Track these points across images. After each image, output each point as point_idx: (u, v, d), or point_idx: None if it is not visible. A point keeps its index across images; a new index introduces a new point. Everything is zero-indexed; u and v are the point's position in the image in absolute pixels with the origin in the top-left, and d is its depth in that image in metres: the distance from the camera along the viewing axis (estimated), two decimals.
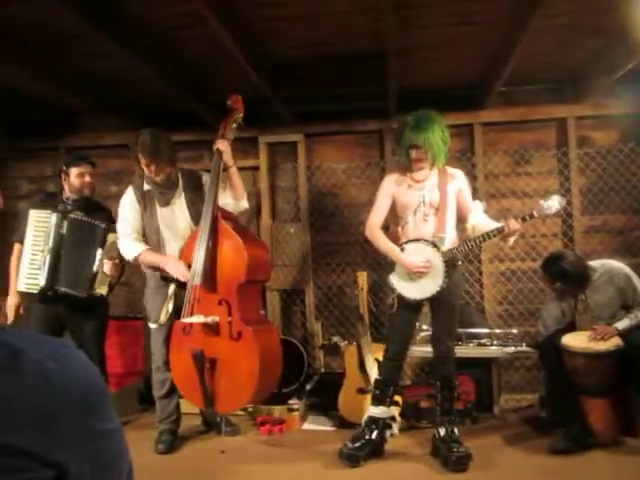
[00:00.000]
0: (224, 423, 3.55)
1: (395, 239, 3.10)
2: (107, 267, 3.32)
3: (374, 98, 4.09)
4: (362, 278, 3.78)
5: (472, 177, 4.39)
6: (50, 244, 3.28)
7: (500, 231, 2.91)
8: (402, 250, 3.02)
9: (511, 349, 3.84)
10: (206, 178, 3.30)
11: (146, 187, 3.28)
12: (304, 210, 4.54)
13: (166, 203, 3.27)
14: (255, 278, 3.16)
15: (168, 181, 3.25)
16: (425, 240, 3.00)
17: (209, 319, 3.00)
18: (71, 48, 3.27)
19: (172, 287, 3.20)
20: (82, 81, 3.81)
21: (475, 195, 4.32)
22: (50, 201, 3.42)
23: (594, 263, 3.39)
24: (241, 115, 3.22)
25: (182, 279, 3.08)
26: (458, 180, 3.12)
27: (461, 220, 3.16)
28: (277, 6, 2.92)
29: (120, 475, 0.80)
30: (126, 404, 3.97)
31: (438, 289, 2.96)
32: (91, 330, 3.42)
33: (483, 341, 3.93)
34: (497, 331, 4.04)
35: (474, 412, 3.71)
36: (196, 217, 3.21)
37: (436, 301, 3.05)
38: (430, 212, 3.03)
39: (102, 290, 3.35)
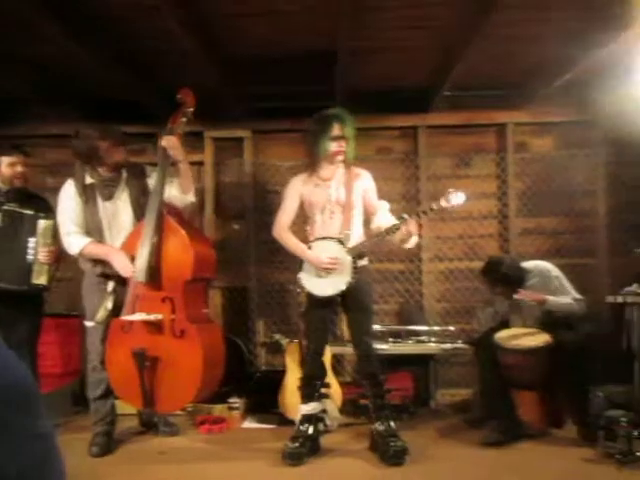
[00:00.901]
0: (162, 423, 3.50)
1: (305, 239, 3.16)
2: (42, 255, 3.19)
3: (323, 97, 4.11)
4: None
5: (415, 179, 4.51)
6: None
7: (398, 228, 2.92)
8: (309, 248, 3.08)
9: (448, 346, 3.96)
10: (150, 171, 3.25)
11: (88, 180, 3.19)
12: (249, 207, 4.52)
13: (109, 197, 3.19)
14: (201, 276, 3.13)
15: (114, 173, 3.18)
16: (331, 237, 3.06)
17: (152, 317, 2.95)
18: (7, 32, 3.13)
19: (111, 284, 3.12)
20: (19, 66, 3.64)
21: (418, 196, 4.45)
22: None
23: (527, 265, 3.56)
24: (191, 109, 3.18)
25: (125, 275, 3.02)
26: (364, 179, 3.19)
27: (368, 219, 3.21)
28: (232, 2, 2.89)
29: (50, 479, 0.78)
30: (59, 406, 3.84)
31: (346, 285, 3.01)
32: (24, 329, 3.27)
33: (422, 338, 4.05)
34: (435, 328, 4.16)
35: (412, 407, 3.81)
36: (140, 212, 3.15)
37: (348, 300, 3.10)
38: (336, 210, 3.10)
39: (42, 280, 3.21)
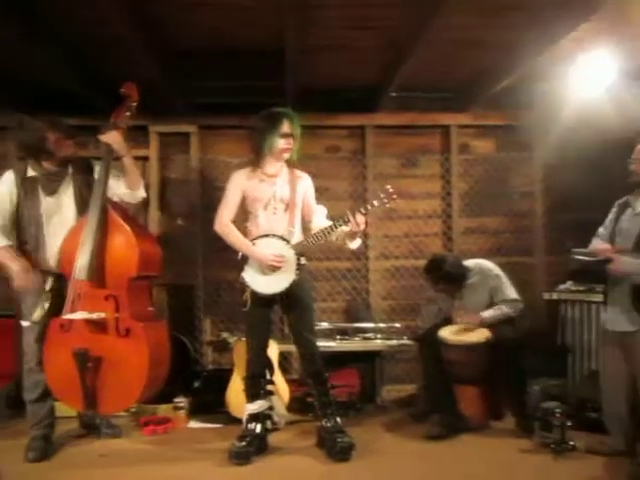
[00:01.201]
0: (105, 425, 3.40)
1: (245, 235, 3.14)
2: None
3: (272, 94, 4.10)
4: None
5: (362, 178, 4.56)
6: None
7: (346, 220, 2.94)
8: (254, 244, 3.07)
9: (394, 342, 4.04)
10: (97, 166, 3.15)
11: (30, 173, 3.07)
12: (195, 204, 4.45)
13: (52, 192, 3.07)
14: (146, 273, 3.07)
15: (60, 167, 3.09)
16: (274, 235, 3.06)
17: (94, 315, 2.87)
18: None
19: (49, 281, 3.01)
20: None
21: (365, 195, 4.51)
22: None
23: (469, 263, 3.68)
24: (135, 104, 3.11)
25: (20, 290, 2.97)
26: (305, 182, 3.22)
27: (304, 222, 3.23)
28: None
29: None
30: None
31: (291, 282, 3.01)
32: None
33: (368, 335, 4.10)
34: (381, 325, 4.23)
35: (358, 403, 3.86)
36: (84, 207, 3.05)
37: (290, 299, 3.09)
38: (280, 207, 3.11)
39: None
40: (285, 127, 3.06)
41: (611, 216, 3.03)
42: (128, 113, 3.11)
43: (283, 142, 3.07)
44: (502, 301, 3.52)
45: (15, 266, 2.98)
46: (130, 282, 2.93)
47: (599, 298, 3.23)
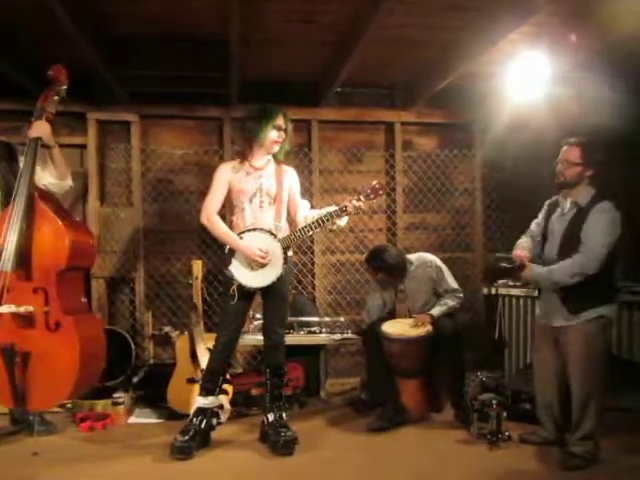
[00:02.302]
0: (38, 422, 3.26)
1: (230, 228, 3.12)
2: None
3: (216, 85, 4.03)
4: (197, 267, 3.72)
5: (308, 172, 4.56)
6: None
7: (341, 211, 3.02)
8: (241, 239, 3.05)
9: (338, 336, 4.07)
10: (22, 152, 2.99)
11: None
12: (136, 194, 4.32)
13: None
14: (77, 264, 2.95)
15: None
16: (262, 229, 3.06)
17: (22, 309, 2.75)
18: None
19: None
20: None
21: (310, 189, 4.51)
22: None
23: (411, 256, 3.78)
24: (64, 87, 2.97)
25: None
26: (290, 176, 3.24)
27: (290, 216, 3.25)
28: None
29: None
30: None
31: (278, 276, 3.03)
32: None
33: (313, 329, 4.12)
34: (326, 319, 4.26)
35: (302, 397, 3.88)
36: (8, 196, 2.91)
37: (270, 290, 3.11)
38: (266, 200, 3.11)
39: None
40: (279, 120, 3.08)
41: (542, 215, 3.13)
42: (56, 97, 2.96)
43: (275, 134, 3.08)
44: (445, 292, 3.65)
45: None
46: (59, 274, 2.82)
47: (535, 294, 3.37)
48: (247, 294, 3.10)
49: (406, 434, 3.32)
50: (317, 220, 3.05)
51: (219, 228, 3.10)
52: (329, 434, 3.35)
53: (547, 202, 3.13)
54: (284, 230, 3.14)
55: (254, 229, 3.06)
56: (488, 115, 4.45)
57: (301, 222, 3.21)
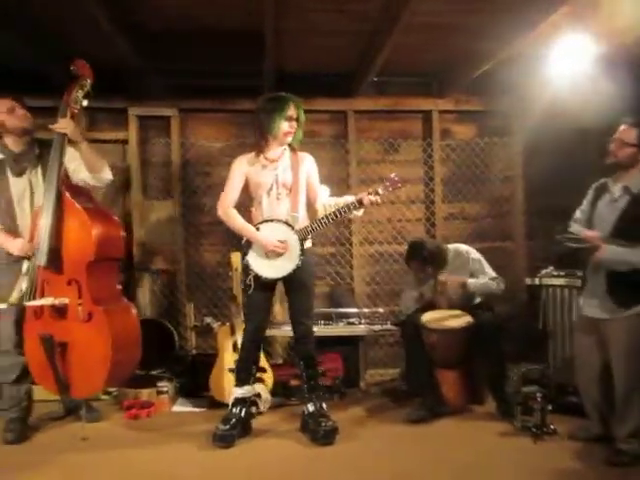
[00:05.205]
0: (85, 409, 3.38)
1: (249, 220, 3.14)
2: None
3: (251, 78, 4.05)
4: (236, 258, 3.76)
5: (345, 163, 4.55)
6: None
7: (359, 203, 3.02)
8: (258, 230, 3.07)
9: (377, 327, 4.06)
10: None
11: None
12: (176, 188, 4.40)
13: (20, 173, 3.06)
14: (106, 255, 3.01)
15: (26, 147, 3.06)
16: (279, 220, 3.07)
17: (57, 301, 2.86)
18: None
19: (26, 264, 2.97)
20: None
21: (347, 180, 4.50)
22: None
23: (449, 246, 3.71)
24: (89, 81, 3.01)
25: (20, 253, 2.96)
26: (308, 163, 3.22)
27: (309, 203, 3.23)
28: None
29: None
30: None
31: (294, 267, 3.04)
32: None
33: (352, 320, 4.12)
34: (365, 310, 4.25)
35: (342, 387, 3.88)
36: None
37: (291, 281, 3.11)
38: (283, 192, 3.11)
39: None
40: (290, 110, 3.05)
41: (587, 200, 2.97)
42: (80, 92, 3.00)
43: (287, 125, 3.06)
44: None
45: (11, 246, 2.97)
46: (89, 266, 2.90)
47: (578, 284, 3.27)
48: (267, 285, 3.11)
49: (446, 426, 3.29)
50: (334, 212, 3.06)
51: (236, 221, 3.12)
52: (369, 424, 3.35)
53: (593, 185, 2.97)
54: (301, 220, 3.13)
55: (270, 220, 3.07)
56: (527, 101, 4.34)
57: (319, 210, 3.21)
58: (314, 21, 3.38)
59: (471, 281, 3.53)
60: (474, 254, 3.65)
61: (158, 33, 3.53)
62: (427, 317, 3.53)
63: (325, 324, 4.06)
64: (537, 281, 3.79)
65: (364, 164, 4.57)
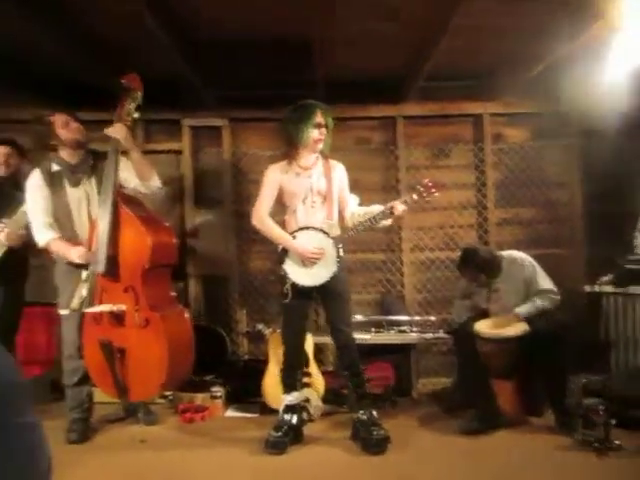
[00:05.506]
0: (143, 412, 3.48)
1: (284, 229, 3.15)
2: (2, 235, 3.30)
3: (302, 87, 4.08)
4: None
5: (395, 169, 4.52)
6: None
7: (389, 213, 3.03)
8: (294, 238, 3.07)
9: (429, 335, 4.00)
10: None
11: (54, 168, 3.16)
12: (229, 196, 4.48)
13: (76, 183, 3.17)
14: (160, 262, 3.10)
15: (80, 158, 3.19)
16: (314, 227, 3.07)
17: (115, 308, 2.95)
18: None
19: (85, 272, 3.08)
20: None
21: (397, 186, 4.47)
22: None
23: (502, 254, 3.60)
24: (139, 94, 3.09)
25: (82, 261, 3.04)
26: (339, 171, 3.21)
27: (338, 211, 3.22)
28: None
29: (37, 469, 0.78)
30: (38, 394, 3.78)
31: (332, 274, 3.03)
32: (8, 315, 3.29)
33: (403, 328, 4.07)
34: (416, 318, 4.20)
35: (393, 396, 3.84)
36: None
37: (326, 290, 3.10)
38: (318, 200, 3.11)
39: None
40: (317, 117, 3.06)
41: None
42: (132, 105, 3.09)
43: (316, 133, 3.07)
44: (537, 293, 3.44)
45: (72, 254, 3.07)
46: (144, 273, 2.98)
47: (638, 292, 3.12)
48: (304, 293, 3.11)
49: (501, 438, 3.19)
50: (366, 221, 3.06)
51: (272, 229, 3.13)
52: (420, 434, 3.30)
53: None
54: (336, 227, 3.14)
55: (306, 228, 3.08)
56: (584, 102, 4.19)
57: (347, 218, 3.21)
58: (362, 29, 3.37)
59: (522, 310, 3.40)
60: (528, 261, 3.53)
61: (212, 46, 3.61)
62: (481, 325, 3.44)
63: (376, 332, 4.04)
64: (597, 288, 3.64)
65: (413, 169, 4.53)
